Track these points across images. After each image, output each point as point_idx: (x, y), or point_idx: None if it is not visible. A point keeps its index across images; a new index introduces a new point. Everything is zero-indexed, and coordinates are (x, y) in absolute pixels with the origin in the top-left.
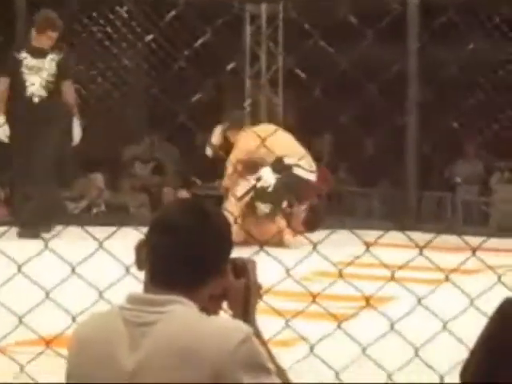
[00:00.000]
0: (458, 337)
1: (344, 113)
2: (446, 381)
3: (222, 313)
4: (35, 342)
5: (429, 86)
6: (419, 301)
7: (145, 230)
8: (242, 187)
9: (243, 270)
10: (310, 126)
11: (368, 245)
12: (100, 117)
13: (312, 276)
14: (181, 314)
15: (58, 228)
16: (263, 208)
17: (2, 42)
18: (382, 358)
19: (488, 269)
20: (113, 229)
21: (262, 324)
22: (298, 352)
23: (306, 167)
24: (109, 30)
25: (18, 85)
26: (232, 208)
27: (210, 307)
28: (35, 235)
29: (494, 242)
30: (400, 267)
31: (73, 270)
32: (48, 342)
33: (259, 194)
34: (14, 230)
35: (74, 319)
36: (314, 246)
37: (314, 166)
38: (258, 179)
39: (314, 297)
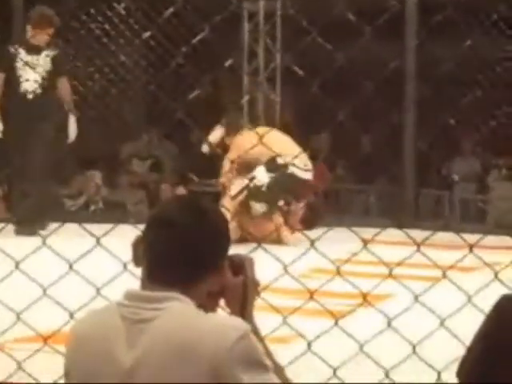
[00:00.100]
0: (455, 334)
1: (342, 110)
2: (442, 377)
3: (219, 310)
4: (33, 339)
5: (426, 84)
6: (416, 298)
7: (142, 226)
8: (237, 186)
9: (241, 266)
10: (307, 123)
11: (365, 242)
12: (98, 114)
13: (310, 273)
14: (178, 311)
15: (56, 225)
16: (258, 207)
17: None
18: (379, 354)
19: (485, 266)
20: (110, 226)
21: (259, 321)
22: (296, 349)
23: (300, 166)
24: (106, 26)
25: (12, 81)
26: (228, 205)
27: (207, 304)
28: (32, 232)
29: (491, 239)
30: (397, 264)
31: (70, 267)
32: (46, 339)
33: (253, 193)
34: (12, 227)
35: (71, 316)
36: (312, 243)
37: (309, 165)
38: (252, 178)
39: (311, 294)
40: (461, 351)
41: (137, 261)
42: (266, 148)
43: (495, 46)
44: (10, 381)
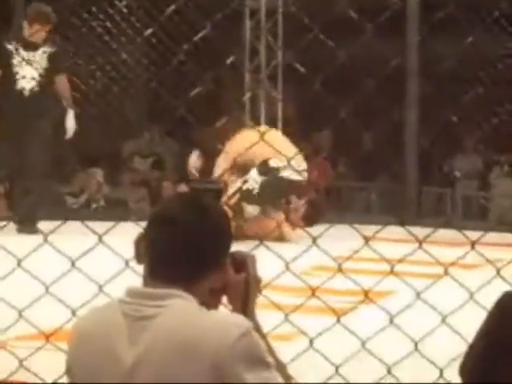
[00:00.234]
0: (457, 331)
1: (343, 107)
2: (445, 374)
3: (221, 307)
4: (35, 337)
5: (428, 81)
6: (418, 295)
7: (144, 224)
8: (232, 188)
9: (243, 264)
10: (309, 121)
11: (367, 239)
12: (99, 111)
13: (311, 270)
14: (180, 308)
15: (57, 223)
16: (250, 210)
17: None
18: (381, 351)
19: (487, 263)
20: (112, 223)
21: (261, 318)
22: (298, 346)
23: (294, 168)
24: (108, 24)
25: (8, 77)
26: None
27: (209, 301)
28: (33, 231)
29: (493, 236)
30: (399, 261)
31: (72, 265)
32: (48, 337)
33: (245, 196)
34: (14, 225)
35: (73, 313)
36: (314, 240)
37: (304, 166)
38: (245, 181)
39: (313, 291)
40: (463, 348)
41: (139, 258)
42: (260, 150)
43: (497, 43)
44: (11, 379)
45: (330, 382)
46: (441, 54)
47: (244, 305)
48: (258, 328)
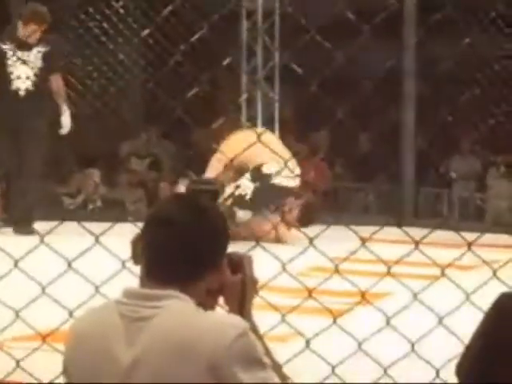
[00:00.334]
0: (454, 332)
1: (340, 108)
2: (441, 375)
3: (218, 308)
4: (32, 338)
5: (425, 82)
6: (415, 296)
7: (141, 225)
8: (225, 191)
9: (239, 265)
10: (306, 121)
11: (364, 240)
12: (96, 112)
13: (308, 271)
14: (177, 309)
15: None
16: (241, 215)
17: None
18: (377, 352)
19: (484, 264)
20: (109, 224)
21: (258, 319)
22: (294, 347)
23: (286, 173)
24: (105, 25)
25: (3, 78)
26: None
27: (206, 302)
28: (30, 231)
29: (489, 237)
30: (396, 262)
31: (69, 265)
32: (44, 338)
33: (237, 200)
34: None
35: (70, 314)
36: (311, 241)
37: (297, 171)
38: (237, 187)
39: (310, 292)
40: (459, 349)
41: (136, 259)
42: (254, 153)
43: (494, 44)
44: (8, 379)
45: (326, 382)
46: (438, 55)
47: (241, 306)
48: (254, 329)
